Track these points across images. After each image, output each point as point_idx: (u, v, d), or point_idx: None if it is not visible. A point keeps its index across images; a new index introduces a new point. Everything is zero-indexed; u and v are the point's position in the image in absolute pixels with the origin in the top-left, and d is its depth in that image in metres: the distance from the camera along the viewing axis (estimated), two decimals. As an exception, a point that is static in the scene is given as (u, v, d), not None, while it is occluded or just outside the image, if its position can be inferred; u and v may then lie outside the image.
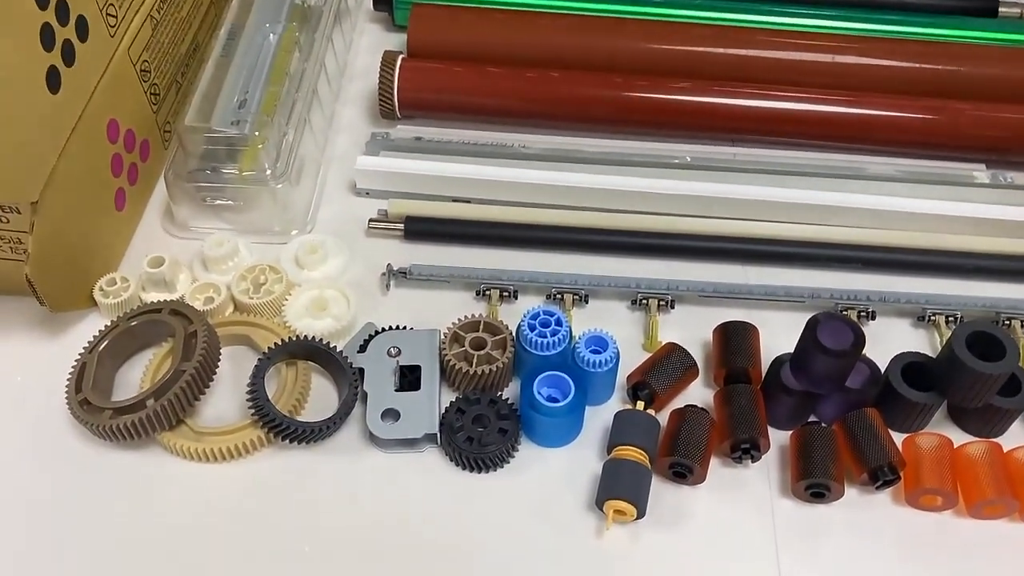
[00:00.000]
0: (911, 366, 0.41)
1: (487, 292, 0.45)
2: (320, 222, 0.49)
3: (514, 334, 0.41)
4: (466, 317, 0.42)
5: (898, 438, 0.40)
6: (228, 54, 0.48)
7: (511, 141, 0.51)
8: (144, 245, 0.47)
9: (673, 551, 0.38)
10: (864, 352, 0.42)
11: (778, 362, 0.41)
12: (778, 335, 0.43)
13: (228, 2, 0.51)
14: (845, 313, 0.44)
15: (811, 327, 0.38)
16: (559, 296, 0.45)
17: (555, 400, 0.39)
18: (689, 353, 0.42)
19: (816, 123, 0.51)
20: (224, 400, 0.42)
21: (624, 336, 0.44)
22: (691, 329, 0.44)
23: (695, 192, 0.48)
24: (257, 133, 0.45)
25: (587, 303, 0.45)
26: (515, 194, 0.48)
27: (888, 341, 0.44)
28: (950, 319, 0.44)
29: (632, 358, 0.43)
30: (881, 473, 0.38)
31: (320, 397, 0.42)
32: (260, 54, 0.49)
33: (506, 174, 0.48)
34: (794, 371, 0.40)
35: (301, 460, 0.40)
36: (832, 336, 0.38)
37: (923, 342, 0.44)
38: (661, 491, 0.39)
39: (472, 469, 0.39)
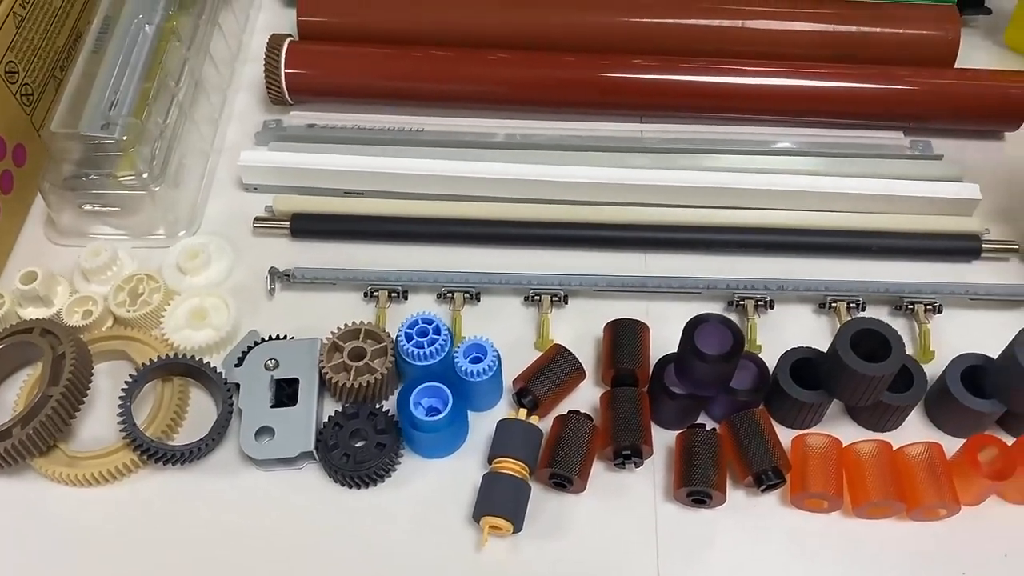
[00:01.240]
0: (801, 362, 0.39)
1: (375, 293, 0.44)
2: (209, 220, 0.47)
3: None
4: (347, 325, 0.41)
5: (791, 434, 0.39)
6: (100, 50, 0.46)
7: (409, 125, 0.49)
8: (28, 255, 0.46)
9: (552, 562, 0.37)
10: (759, 344, 0.42)
11: (661, 364, 0.39)
12: (677, 328, 0.41)
13: (101, -7, 0.49)
14: (742, 304, 0.43)
15: (688, 332, 0.37)
16: (450, 295, 0.43)
17: (437, 410, 0.39)
18: (574, 356, 0.40)
19: (726, 95, 0.48)
20: (102, 419, 0.41)
21: (517, 334, 0.43)
22: (587, 323, 0.43)
23: (595, 179, 0.46)
24: (126, 137, 0.43)
25: (479, 301, 0.44)
26: (407, 185, 0.46)
27: (788, 330, 0.42)
28: (852, 305, 0.42)
29: (525, 357, 0.41)
30: (765, 477, 0.37)
31: (200, 413, 0.41)
32: (135, 48, 0.46)
33: (396, 165, 0.46)
34: (677, 374, 0.39)
35: (180, 481, 0.39)
36: (711, 339, 0.37)
37: (825, 329, 0.43)
38: (543, 499, 0.38)
39: (351, 486, 0.39)
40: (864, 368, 0.36)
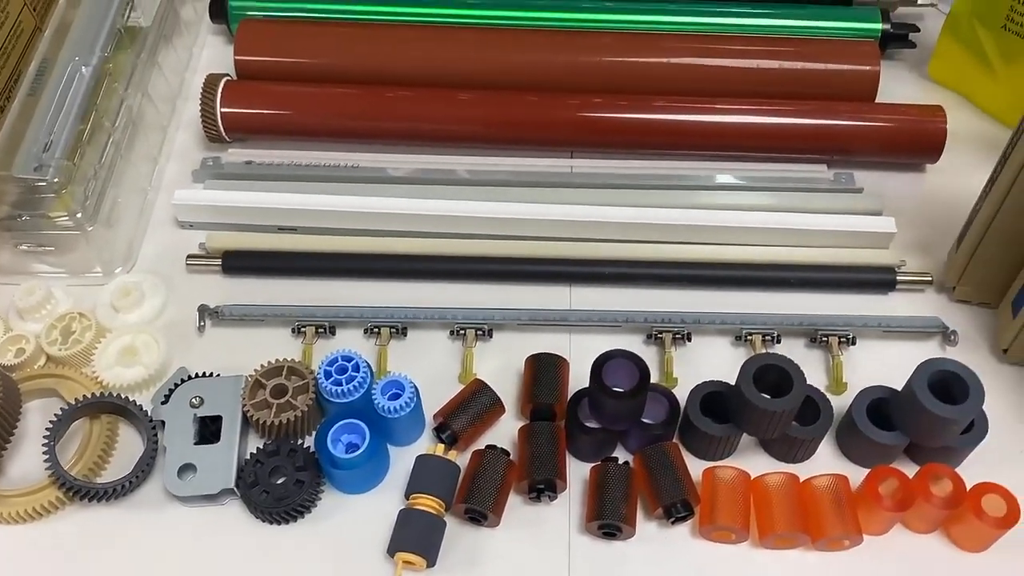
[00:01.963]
0: (712, 395, 0.40)
1: (303, 329, 0.45)
2: (145, 257, 0.48)
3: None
4: (271, 362, 0.42)
5: (705, 465, 0.40)
6: (36, 92, 0.47)
7: (343, 161, 0.50)
8: (-35, 292, 0.47)
9: (465, 596, 0.38)
10: (675, 377, 0.43)
11: (576, 399, 0.40)
12: (598, 360, 0.43)
13: (41, 33, 0.50)
14: (660, 337, 0.44)
15: (596, 368, 0.38)
16: (376, 330, 0.44)
17: (356, 446, 0.39)
18: (493, 391, 0.41)
19: (653, 131, 0.49)
20: (32, 456, 0.41)
21: (442, 368, 0.44)
22: (511, 356, 0.44)
23: (523, 214, 0.47)
24: (58, 180, 0.44)
25: (406, 335, 0.45)
26: (339, 221, 0.47)
27: (706, 362, 0.44)
28: (767, 338, 0.44)
29: (450, 391, 0.42)
30: (675, 510, 0.38)
31: (128, 450, 0.42)
32: (71, 90, 0.47)
33: (328, 201, 0.47)
34: (590, 409, 0.40)
35: (106, 517, 0.40)
36: (620, 375, 0.38)
37: (742, 361, 0.43)
38: (459, 533, 0.39)
39: (272, 521, 0.39)
40: (765, 403, 0.37)
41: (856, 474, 0.39)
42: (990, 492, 0.37)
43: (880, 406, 0.40)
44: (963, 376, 0.37)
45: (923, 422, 0.37)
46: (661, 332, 0.44)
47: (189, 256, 0.47)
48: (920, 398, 0.37)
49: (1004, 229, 0.41)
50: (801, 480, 0.39)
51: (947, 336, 0.44)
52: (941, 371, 0.38)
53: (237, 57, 0.52)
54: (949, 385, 0.38)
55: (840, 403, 0.41)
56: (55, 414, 0.40)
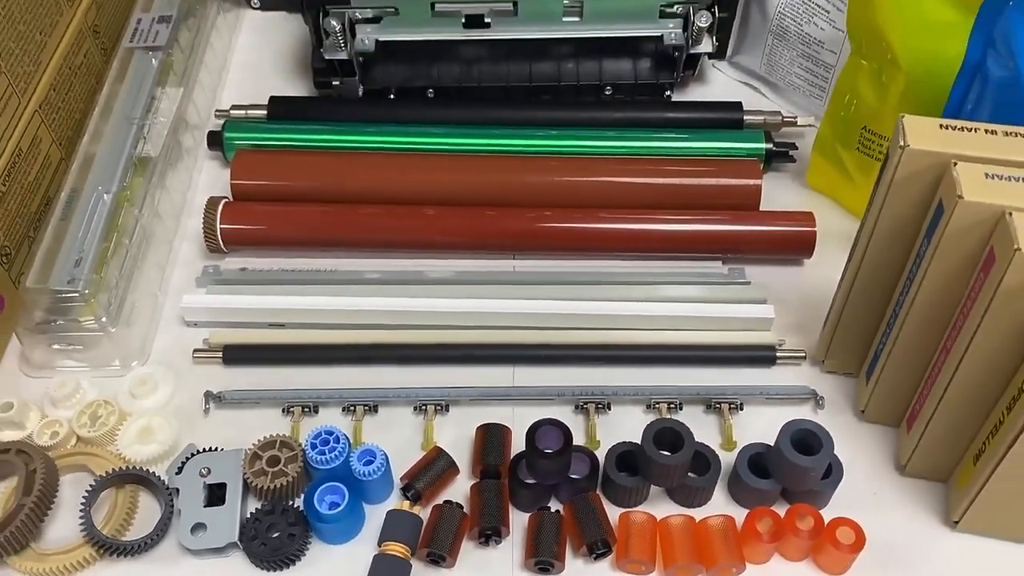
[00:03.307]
0: (626, 454, 0.50)
1: (291, 409, 0.54)
2: (157, 351, 0.57)
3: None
4: (266, 437, 0.51)
5: (620, 511, 0.50)
6: (67, 217, 0.57)
7: (323, 267, 0.60)
8: (4, 385, 0.56)
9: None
10: (598, 440, 0.52)
11: (516, 460, 0.50)
12: (536, 428, 0.52)
13: (69, 168, 0.60)
14: (585, 407, 0.53)
15: (530, 434, 0.47)
16: (352, 408, 0.54)
17: (337, 504, 0.48)
18: (450, 456, 0.51)
19: (581, 237, 0.60)
20: (67, 521, 0.50)
21: (408, 438, 0.54)
22: (465, 426, 0.53)
23: (473, 309, 0.57)
24: (88, 290, 0.53)
25: (377, 412, 0.54)
26: (319, 318, 0.57)
27: (623, 427, 0.53)
28: (671, 406, 0.53)
29: (414, 456, 0.52)
30: (597, 547, 0.47)
31: (148, 513, 0.50)
32: (96, 214, 0.57)
33: (310, 301, 0.57)
34: (527, 468, 0.49)
35: (132, 570, 0.48)
36: (550, 438, 0.48)
37: (656, 425, 0.54)
38: (423, 573, 0.48)
39: (269, 569, 0.48)
40: (662, 458, 0.47)
41: (742, 515, 0.49)
42: (843, 525, 0.47)
43: (759, 459, 0.50)
44: (817, 433, 0.47)
45: (788, 471, 0.47)
46: (586, 403, 0.53)
47: (195, 350, 0.56)
48: (784, 452, 0.47)
49: (855, 311, 0.52)
50: (697, 520, 0.48)
51: (817, 401, 0.54)
52: (800, 429, 0.48)
53: (233, 182, 0.62)
54: (808, 440, 0.48)
55: (731, 458, 0.51)
56: (89, 484, 0.49)
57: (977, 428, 0.47)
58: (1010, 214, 0.41)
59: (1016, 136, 0.44)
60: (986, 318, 0.42)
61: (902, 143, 0.44)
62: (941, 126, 0.45)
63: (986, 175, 0.42)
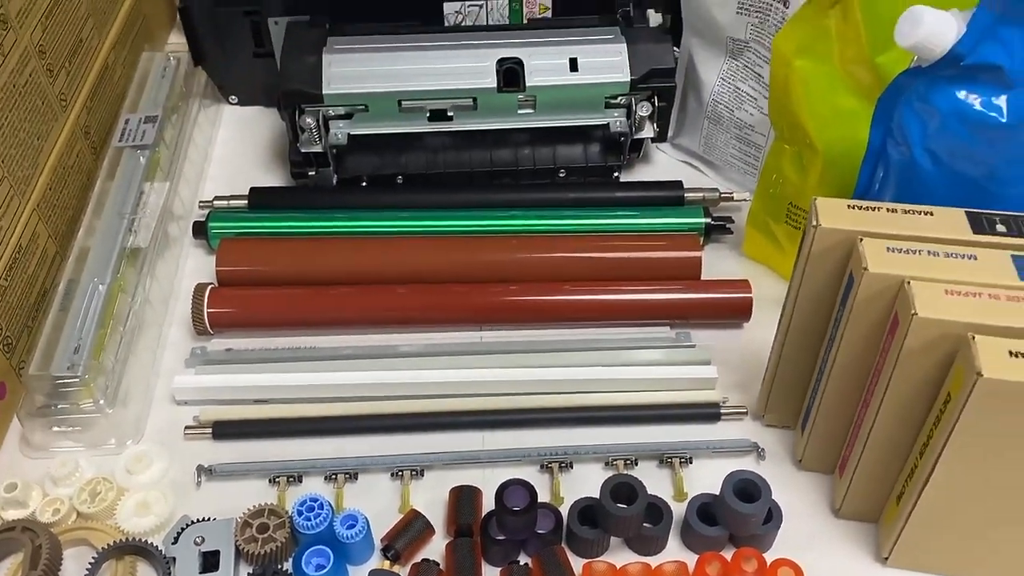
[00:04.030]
0: (586, 508, 0.55)
1: (277, 479, 0.58)
2: (150, 430, 0.61)
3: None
4: (255, 506, 0.55)
5: (583, 562, 0.54)
6: (65, 307, 0.61)
7: (303, 345, 0.65)
8: (7, 466, 0.59)
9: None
10: (562, 496, 0.57)
11: (487, 518, 0.54)
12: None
13: (65, 260, 0.64)
14: (550, 466, 0.58)
15: (499, 494, 0.52)
16: (334, 476, 0.58)
17: (323, 566, 0.52)
18: (425, 518, 0.55)
19: (540, 310, 0.66)
20: (69, 593, 0.54)
21: (386, 502, 0.58)
22: (439, 489, 0.58)
23: (445, 379, 0.62)
24: (87, 376, 0.58)
25: (357, 479, 0.58)
26: (300, 393, 0.62)
27: (584, 483, 0.58)
28: (627, 462, 0.58)
29: (392, 519, 0.56)
30: (562, 596, 0.52)
31: (146, 583, 0.54)
32: (92, 303, 0.62)
33: (289, 378, 0.61)
34: (496, 525, 0.54)
35: (130, 636, 0.52)
36: (517, 497, 0.52)
37: (615, 480, 0.59)
38: (405, 627, 0.52)
39: (260, 628, 0.52)
40: (617, 511, 0.52)
41: (694, 560, 0.54)
42: (784, 565, 0.52)
43: (707, 508, 0.55)
44: (756, 482, 0.53)
45: (731, 518, 0.52)
46: (551, 462, 0.58)
47: (186, 427, 0.60)
48: (727, 500, 0.52)
49: (787, 370, 0.58)
50: (654, 567, 0.53)
51: (759, 452, 0.59)
52: (741, 479, 0.53)
53: (218, 268, 0.67)
54: (749, 489, 0.53)
55: (682, 507, 0.56)
56: (92, 557, 0.52)
57: (898, 472, 0.53)
58: (908, 283, 0.47)
59: (914, 214, 0.51)
60: (894, 375, 0.48)
61: (814, 223, 0.50)
62: (849, 206, 0.51)
63: (888, 249, 0.49)
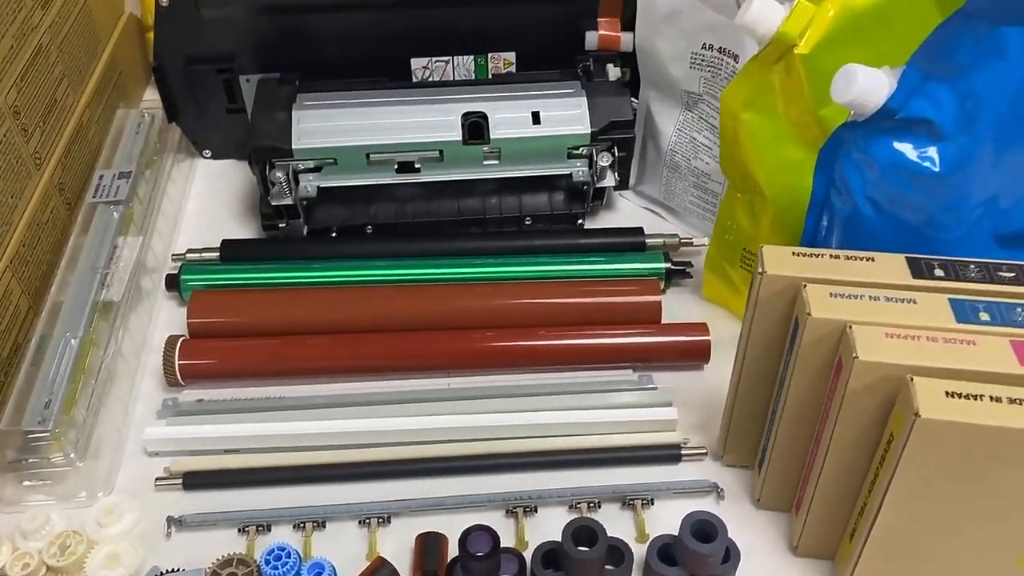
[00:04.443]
0: (550, 552, 0.56)
1: (246, 529, 0.59)
2: (121, 482, 0.62)
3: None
4: (224, 555, 0.56)
5: (550, 606, 0.55)
6: (37, 362, 0.62)
7: (272, 395, 0.66)
8: (-23, 521, 0.60)
9: None
10: (527, 541, 0.58)
11: (452, 564, 0.55)
12: (471, 532, 0.58)
13: (38, 315, 0.66)
14: (514, 511, 0.59)
15: (462, 539, 0.53)
16: (302, 525, 0.59)
17: (291, 614, 0.53)
18: (392, 565, 0.56)
19: (508, 355, 0.67)
20: (38, 648, 0.54)
21: (353, 549, 0.59)
22: (406, 536, 0.59)
23: (411, 426, 0.63)
24: (58, 429, 0.58)
25: (325, 527, 0.59)
26: (269, 442, 0.63)
27: (549, 527, 0.59)
28: (591, 505, 0.60)
29: (360, 566, 0.57)
30: (526, 639, 0.53)
31: (114, 635, 0.55)
32: (64, 358, 0.63)
33: (259, 429, 0.63)
34: (461, 570, 0.55)
35: None
36: (481, 542, 0.54)
37: (578, 523, 0.60)
38: (371, 674, 0.53)
39: None
40: (578, 553, 0.53)
41: (656, 600, 0.55)
42: (741, 604, 0.53)
43: (667, 549, 0.56)
44: (713, 522, 0.54)
45: (690, 558, 0.54)
46: (515, 507, 0.60)
47: (157, 478, 0.61)
48: (685, 541, 0.53)
49: (743, 410, 0.59)
50: (616, 609, 0.54)
51: (718, 492, 0.61)
52: (699, 520, 0.54)
53: (190, 320, 0.68)
54: (706, 529, 0.54)
55: (643, 549, 0.57)
56: (61, 611, 0.53)
57: (850, 509, 0.54)
58: (851, 327, 0.49)
59: (856, 260, 0.53)
60: (841, 416, 0.50)
61: (761, 270, 0.52)
62: (794, 253, 0.53)
63: (831, 294, 0.51)
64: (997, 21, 0.48)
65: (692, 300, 0.74)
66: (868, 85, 0.50)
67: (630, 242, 0.75)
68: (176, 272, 0.73)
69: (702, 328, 0.68)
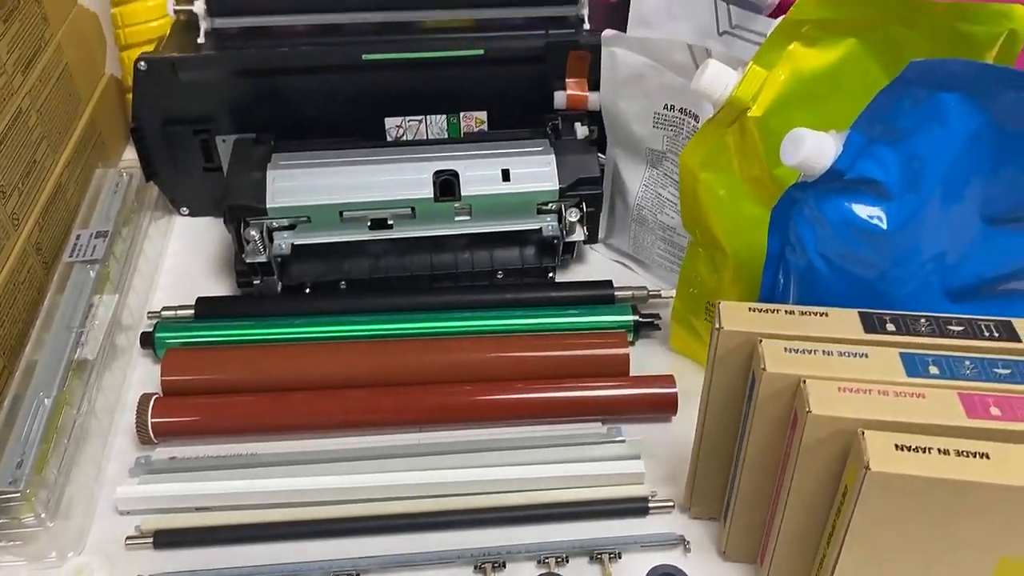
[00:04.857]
0: (517, 607, 0.56)
1: (217, 588, 0.59)
2: (92, 542, 0.62)
3: (229, 625, 0.55)
4: (193, 616, 0.56)
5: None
6: (10, 422, 0.63)
7: (244, 451, 0.67)
8: (-54, 583, 0.60)
9: None
10: (495, 596, 0.58)
11: (419, 620, 0.56)
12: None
13: (13, 374, 0.66)
14: (483, 566, 0.60)
15: (429, 596, 0.54)
16: (272, 582, 0.59)
17: (258, 674, 0.53)
18: (360, 620, 0.56)
19: (477, 409, 0.68)
20: None
21: (325, 607, 0.59)
22: (377, 592, 0.59)
23: (382, 482, 0.64)
24: (28, 490, 0.59)
25: (295, 584, 0.60)
26: (240, 500, 0.63)
27: (518, 583, 0.60)
28: (559, 559, 0.60)
29: (330, 624, 0.57)
30: None
31: None
32: (36, 417, 0.63)
33: (230, 486, 0.63)
34: (428, 627, 0.55)
35: None
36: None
37: (546, 578, 0.61)
38: None
39: None
40: (545, 610, 0.53)
41: (623, 655, 0.55)
42: (707, 657, 0.54)
43: (634, 602, 0.57)
44: (675, 573, 0.55)
45: (655, 611, 0.54)
46: (484, 563, 0.60)
47: (128, 537, 0.61)
48: (650, 594, 0.54)
49: (708, 463, 0.60)
50: (583, 664, 0.55)
51: (685, 545, 0.61)
52: (664, 573, 0.55)
53: (164, 378, 0.69)
54: (671, 582, 0.55)
55: (612, 603, 0.58)
56: (27, 675, 0.53)
57: (812, 560, 0.55)
58: (804, 381, 0.50)
59: (810, 315, 0.54)
60: (798, 469, 0.51)
61: (718, 326, 0.54)
62: (750, 309, 0.55)
63: (786, 349, 0.52)
64: (936, 87, 0.50)
65: (661, 351, 0.75)
66: (815, 148, 0.52)
67: (599, 295, 0.77)
68: (151, 330, 0.74)
69: (669, 380, 0.69)
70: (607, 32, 0.72)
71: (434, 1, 0.82)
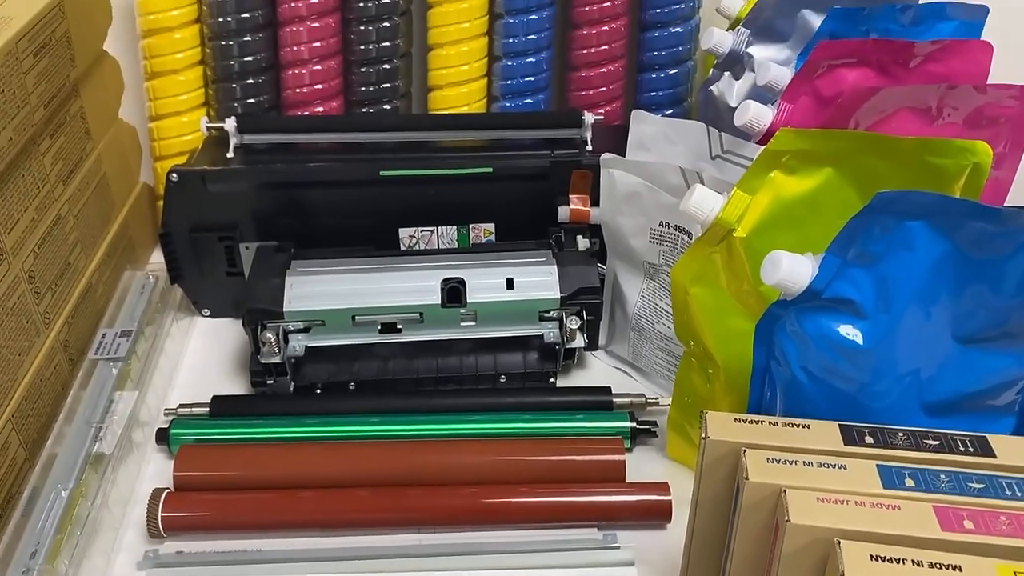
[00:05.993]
0: None
1: None
2: (98, 634, 0.64)
3: None
4: None
5: None
6: (27, 514, 0.66)
7: (250, 547, 0.69)
8: (-46, 670, 0.62)
9: None
10: None
11: None
12: None
13: (33, 466, 0.69)
14: (476, 669, 0.61)
15: None
16: None
17: None
18: None
19: (476, 512, 0.70)
20: None
21: None
22: None
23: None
24: (39, 582, 0.61)
25: None
26: (244, 596, 0.65)
27: None
28: (551, 664, 0.61)
29: None
30: None
31: None
32: (53, 509, 0.66)
33: (236, 583, 0.65)
34: None
35: None
36: None
37: None
38: None
39: None
40: None
41: None
42: None
43: None
44: None
45: None
46: (476, 665, 0.61)
47: (131, 633, 0.63)
48: None
49: (697, 571, 0.62)
50: None
51: (676, 652, 0.62)
52: None
53: (176, 473, 0.71)
54: None
55: None
56: None
57: (799, 670, 0.56)
58: (785, 491, 0.52)
59: (793, 427, 0.57)
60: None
61: (704, 435, 0.56)
62: (736, 419, 0.57)
63: (768, 459, 0.54)
64: (902, 216, 0.54)
65: (658, 459, 0.77)
66: (791, 269, 0.55)
67: (598, 401, 0.79)
68: (167, 426, 0.77)
69: (663, 488, 0.71)
70: (605, 155, 0.77)
71: (448, 123, 0.88)
